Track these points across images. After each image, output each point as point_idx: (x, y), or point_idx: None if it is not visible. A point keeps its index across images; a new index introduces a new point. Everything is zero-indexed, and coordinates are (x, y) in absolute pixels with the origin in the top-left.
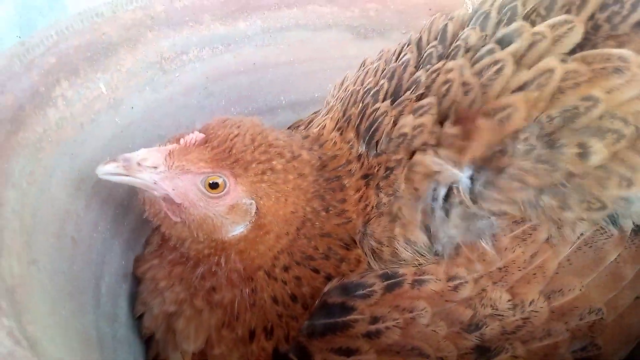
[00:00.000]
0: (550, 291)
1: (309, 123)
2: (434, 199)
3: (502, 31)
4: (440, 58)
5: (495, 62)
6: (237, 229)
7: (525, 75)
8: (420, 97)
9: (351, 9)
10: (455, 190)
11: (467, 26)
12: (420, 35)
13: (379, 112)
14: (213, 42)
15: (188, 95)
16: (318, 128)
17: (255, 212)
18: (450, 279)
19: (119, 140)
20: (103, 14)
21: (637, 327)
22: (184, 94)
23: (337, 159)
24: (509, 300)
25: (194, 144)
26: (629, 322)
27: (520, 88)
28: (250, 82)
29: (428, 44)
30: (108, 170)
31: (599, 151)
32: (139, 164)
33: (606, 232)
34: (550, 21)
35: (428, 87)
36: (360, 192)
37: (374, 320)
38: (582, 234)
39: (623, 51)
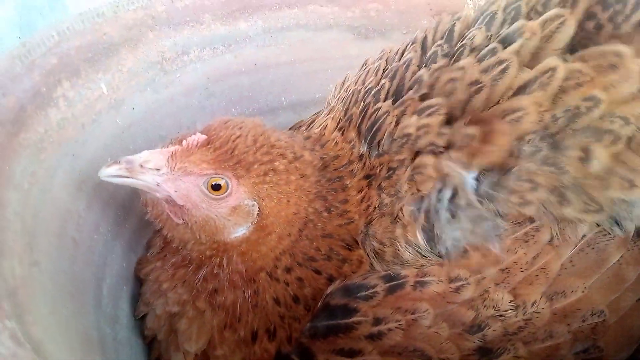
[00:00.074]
0: (553, 293)
1: (311, 123)
2: (439, 200)
3: (505, 31)
4: (445, 57)
5: (500, 62)
6: (239, 231)
7: (527, 73)
8: (423, 97)
9: (352, 9)
10: (461, 192)
11: (473, 26)
12: (425, 34)
13: (380, 112)
14: (214, 43)
15: (189, 96)
16: (319, 128)
17: (258, 214)
18: (452, 280)
19: (120, 140)
20: (104, 14)
21: (639, 329)
22: (185, 94)
23: (339, 159)
24: (511, 302)
25: (196, 145)
26: (631, 324)
27: (523, 88)
28: (251, 82)
29: (434, 43)
30: (110, 173)
31: (600, 157)
32: (141, 166)
33: (609, 233)
34: (543, 17)
35: (431, 86)
36: (362, 192)
37: (377, 321)
38: (584, 236)
39: (618, 46)
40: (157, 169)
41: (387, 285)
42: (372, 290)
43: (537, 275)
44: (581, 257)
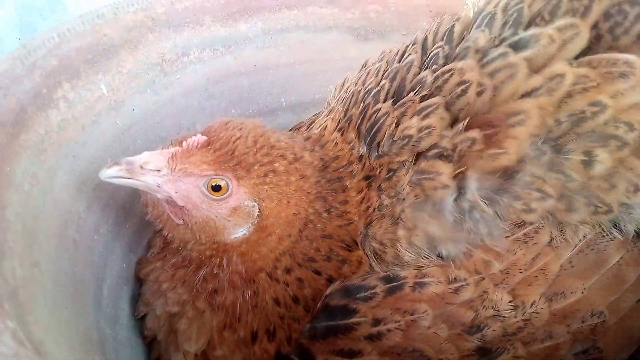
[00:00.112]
0: (552, 293)
1: (310, 124)
2: (442, 202)
3: (518, 35)
4: (446, 59)
5: (510, 66)
6: (239, 231)
7: (535, 80)
8: (424, 98)
9: (352, 10)
10: (464, 194)
11: (473, 27)
12: (426, 35)
13: (380, 113)
14: (214, 44)
15: (189, 97)
16: (319, 129)
17: (258, 214)
18: (451, 281)
19: (120, 141)
20: (104, 16)
21: (638, 330)
22: (185, 95)
23: (339, 160)
24: (510, 302)
25: (197, 146)
26: (631, 325)
27: (530, 92)
28: (250, 83)
29: (434, 45)
30: (111, 174)
31: (604, 161)
32: (141, 167)
33: (608, 235)
34: (557, 24)
35: (438, 88)
36: (362, 193)
37: (376, 322)
38: (584, 237)
39: (629, 56)
40: (158, 170)
41: (387, 286)
42: (372, 291)
43: (536, 276)
44: (581, 258)
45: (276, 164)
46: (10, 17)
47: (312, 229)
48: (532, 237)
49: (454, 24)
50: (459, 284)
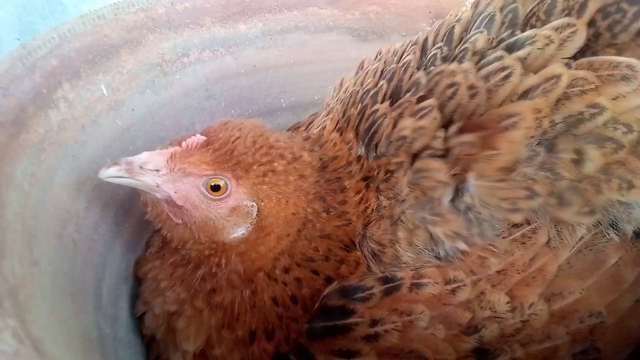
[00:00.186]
0: (550, 294)
1: (309, 124)
2: (441, 202)
3: (514, 37)
4: (444, 60)
5: (504, 68)
6: (238, 231)
7: (530, 81)
8: (420, 99)
9: (351, 11)
10: (461, 195)
11: (472, 28)
12: (427, 36)
13: (378, 114)
14: (214, 44)
15: (189, 97)
16: (318, 129)
17: (257, 214)
18: (448, 282)
19: (120, 141)
20: (104, 16)
21: (637, 330)
22: (185, 95)
23: (338, 160)
24: (508, 303)
25: (196, 146)
26: (630, 325)
27: (526, 94)
28: (250, 84)
29: (434, 45)
30: (110, 174)
31: (594, 159)
32: (141, 167)
33: (606, 235)
34: (553, 24)
35: (430, 90)
36: (361, 194)
37: (374, 323)
38: (582, 238)
39: (631, 60)
40: (157, 170)
41: (384, 287)
42: (369, 292)
43: (534, 277)
44: (579, 259)
45: (275, 164)
46: (9, 18)
47: (310, 229)
48: (530, 237)
49: (454, 25)
50: (456, 285)
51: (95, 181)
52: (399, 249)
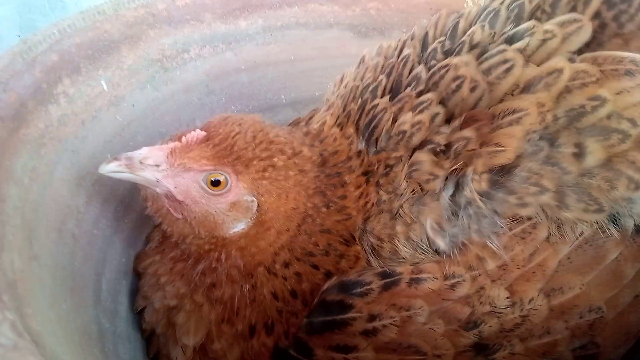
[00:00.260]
0: (550, 289)
1: (309, 119)
2: (439, 197)
3: (513, 30)
4: (445, 55)
5: (505, 61)
6: (238, 226)
7: (532, 74)
8: (420, 94)
9: (352, 7)
10: (461, 190)
11: (476, 23)
12: (426, 30)
13: (378, 109)
14: (214, 40)
15: (189, 93)
16: (319, 124)
17: (257, 209)
18: (447, 277)
19: (120, 137)
20: (105, 12)
21: (636, 325)
22: (185, 91)
23: (338, 155)
24: (508, 298)
25: (196, 141)
26: (629, 321)
27: (528, 87)
28: (250, 80)
29: (434, 40)
30: (110, 169)
31: (595, 152)
32: (141, 162)
33: (606, 231)
34: (559, 19)
35: (435, 83)
36: (361, 188)
37: (372, 318)
38: (582, 233)
39: (636, 55)
40: (157, 165)
41: (382, 282)
42: (368, 287)
43: (534, 272)
44: (579, 254)
45: (275, 159)
46: (10, 15)
47: (310, 224)
48: (530, 232)
49: (458, 20)
50: (455, 280)
51: (95, 176)
52: (397, 243)
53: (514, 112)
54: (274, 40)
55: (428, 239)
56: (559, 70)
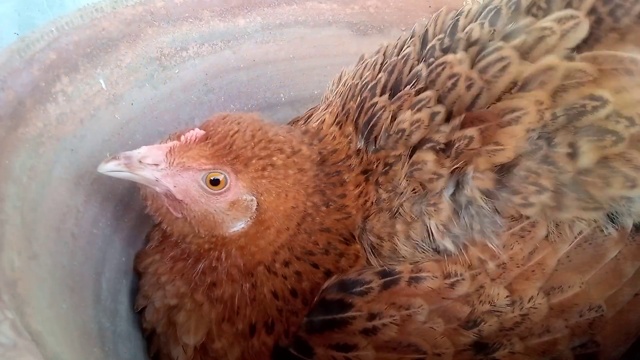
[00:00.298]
0: (550, 288)
1: (308, 118)
2: (440, 196)
3: (510, 27)
4: (444, 52)
5: (501, 59)
6: (238, 225)
7: (528, 71)
8: (420, 92)
9: (351, 5)
10: (462, 189)
11: (476, 20)
12: (426, 28)
13: (377, 107)
14: (213, 39)
15: (188, 92)
16: (317, 123)
17: (256, 208)
18: (447, 276)
19: (119, 136)
20: (103, 10)
21: (636, 324)
22: (184, 90)
23: (337, 154)
24: (507, 297)
25: (195, 140)
26: (629, 319)
27: (525, 85)
28: (249, 78)
29: (434, 37)
30: (109, 168)
31: (588, 152)
32: (140, 162)
33: (605, 229)
34: (556, 15)
35: (432, 82)
36: (360, 187)
37: (371, 317)
38: (581, 232)
39: (636, 55)
40: (156, 165)
41: (382, 280)
42: (367, 286)
43: (533, 271)
44: (578, 253)
45: (274, 158)
46: (8, 12)
47: (310, 223)
48: (529, 231)
49: (458, 18)
50: (454, 279)
51: (94, 175)
52: (397, 242)
53: (513, 111)
54: (273, 38)
55: (431, 239)
56: (553, 68)
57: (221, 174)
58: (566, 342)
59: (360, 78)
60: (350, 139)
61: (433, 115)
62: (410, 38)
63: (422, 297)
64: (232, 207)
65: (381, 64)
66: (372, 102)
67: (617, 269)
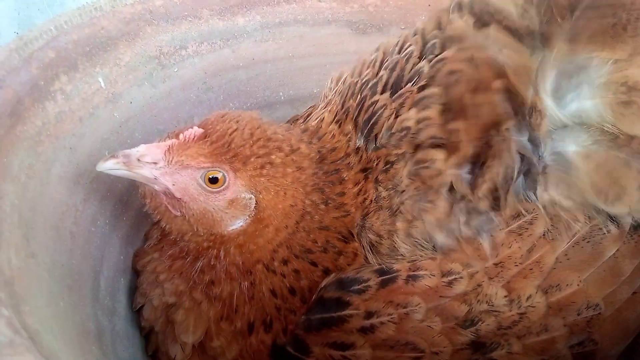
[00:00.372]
0: (548, 286)
1: (307, 116)
2: (440, 193)
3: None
4: (443, 48)
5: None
6: (236, 223)
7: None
8: (422, 89)
9: (350, 4)
10: (457, 185)
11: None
12: (425, 25)
13: (378, 105)
14: (212, 37)
15: (187, 90)
16: (317, 121)
17: (255, 206)
18: (444, 274)
19: (118, 134)
20: (102, 8)
21: (634, 322)
22: (183, 88)
23: (336, 152)
24: (505, 296)
25: (193, 139)
26: (627, 317)
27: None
28: (248, 77)
29: (431, 34)
30: (108, 166)
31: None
32: (138, 160)
33: (604, 228)
34: None
35: (431, 78)
36: (359, 185)
37: (369, 315)
38: (579, 230)
39: None
40: (155, 163)
41: (380, 279)
42: (365, 284)
43: (531, 269)
44: (576, 251)
45: (273, 156)
46: (8, 11)
47: (309, 221)
48: (527, 229)
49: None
50: (452, 277)
51: (93, 174)
52: (397, 240)
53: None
54: (272, 37)
55: (430, 237)
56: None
57: (220, 172)
58: (564, 340)
59: (360, 76)
60: (349, 137)
61: (438, 112)
62: (413, 36)
63: (420, 296)
64: (230, 205)
65: (381, 61)
66: (372, 100)
67: (615, 267)
